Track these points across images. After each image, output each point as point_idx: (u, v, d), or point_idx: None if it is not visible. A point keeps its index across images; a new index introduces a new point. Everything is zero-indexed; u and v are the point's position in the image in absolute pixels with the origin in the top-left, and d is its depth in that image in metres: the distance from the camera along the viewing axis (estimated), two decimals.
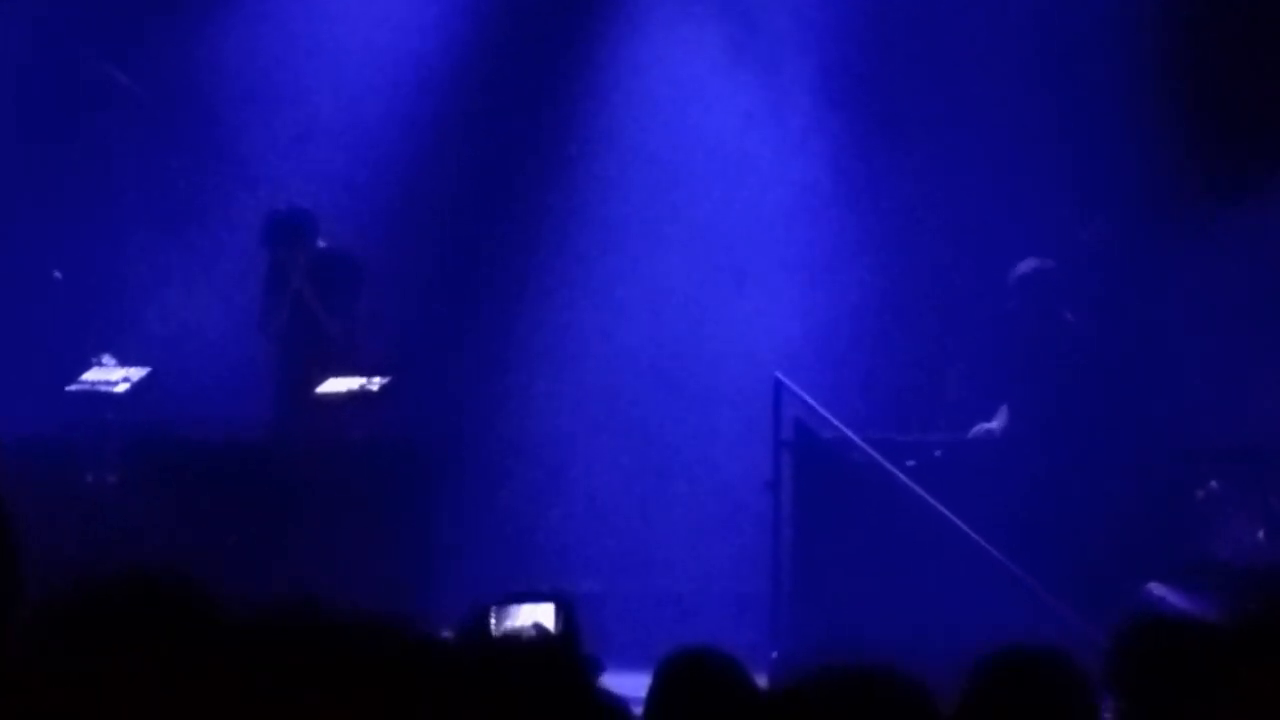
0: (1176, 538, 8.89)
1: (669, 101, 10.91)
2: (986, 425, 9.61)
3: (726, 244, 10.84)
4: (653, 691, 3.21)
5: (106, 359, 10.02)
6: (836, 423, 9.27)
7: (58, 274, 10.73)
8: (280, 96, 11.01)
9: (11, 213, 10.92)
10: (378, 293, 10.45)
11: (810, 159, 10.76)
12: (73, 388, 9.79)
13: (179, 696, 2.25)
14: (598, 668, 3.56)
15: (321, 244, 10.03)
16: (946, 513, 8.92)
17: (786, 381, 9.34)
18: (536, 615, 3.98)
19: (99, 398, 9.73)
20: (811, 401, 9.33)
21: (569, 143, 10.95)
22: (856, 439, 9.20)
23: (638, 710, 3.60)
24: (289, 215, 9.96)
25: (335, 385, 9.72)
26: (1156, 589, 8.32)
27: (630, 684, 4.12)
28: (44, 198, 11.02)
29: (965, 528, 8.86)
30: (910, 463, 9.16)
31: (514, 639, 3.52)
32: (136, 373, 9.87)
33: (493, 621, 3.92)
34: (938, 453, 9.32)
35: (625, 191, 10.95)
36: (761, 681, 3.76)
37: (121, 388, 9.77)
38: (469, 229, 11.09)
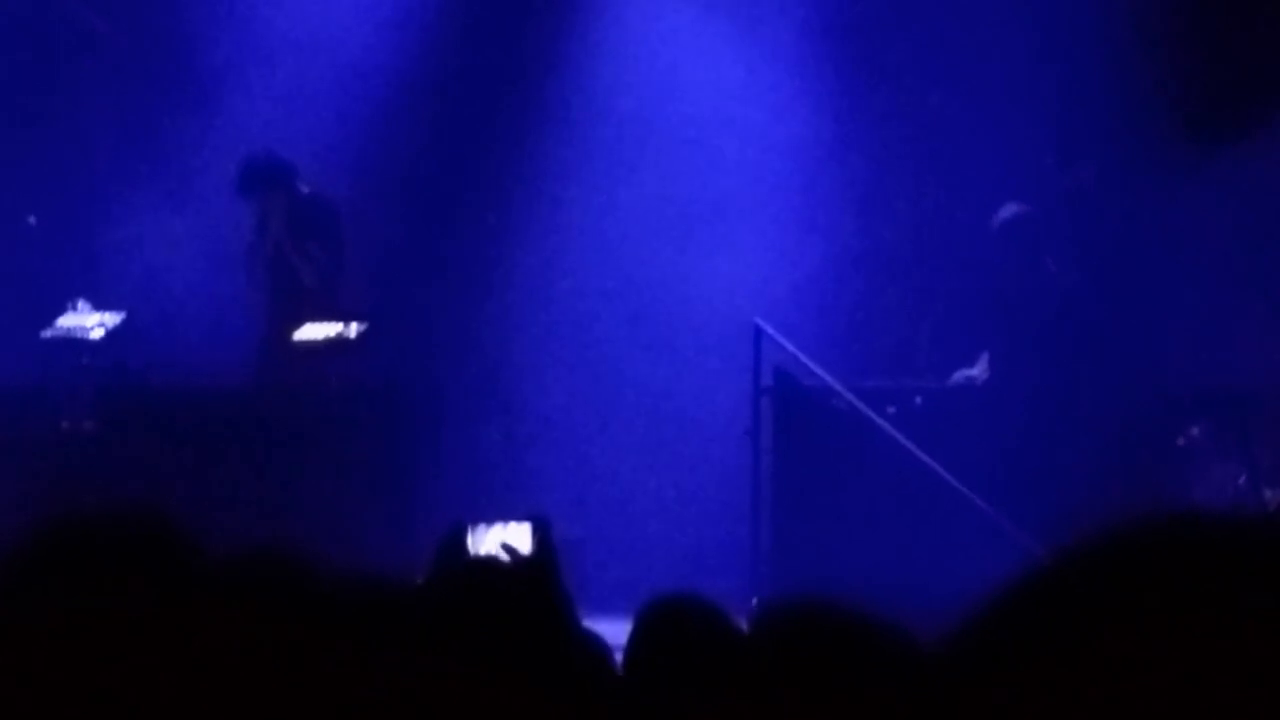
0: (1159, 485, 8.89)
1: (648, 53, 10.86)
2: (967, 372, 9.60)
3: (708, 192, 10.80)
4: (633, 639, 3.17)
5: (81, 304, 9.95)
6: (817, 369, 9.25)
7: (32, 219, 10.65)
8: (258, 43, 10.94)
9: None
10: (356, 239, 10.39)
11: (792, 107, 10.72)
12: (48, 334, 9.73)
13: (152, 639, 2.21)
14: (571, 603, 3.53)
15: (304, 189, 9.96)
16: (927, 459, 8.91)
17: (767, 328, 9.32)
18: (513, 536, 3.95)
19: (74, 344, 9.66)
20: (792, 348, 9.30)
21: (546, 95, 10.89)
22: (837, 385, 9.18)
23: (617, 657, 3.56)
24: (265, 162, 9.89)
25: (313, 332, 9.68)
26: None
27: (608, 630, 4.09)
28: (17, 143, 10.94)
29: (946, 474, 8.85)
30: (891, 410, 9.15)
31: (490, 562, 3.48)
32: (112, 318, 9.81)
33: (470, 541, 3.89)
34: (918, 400, 9.30)
35: (605, 140, 10.90)
36: (743, 628, 3.74)
37: (97, 333, 9.71)
38: (446, 175, 11.04)
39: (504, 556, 3.85)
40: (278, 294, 9.89)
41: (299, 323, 9.69)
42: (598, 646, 2.81)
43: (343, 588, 2.52)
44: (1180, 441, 9.13)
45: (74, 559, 2.39)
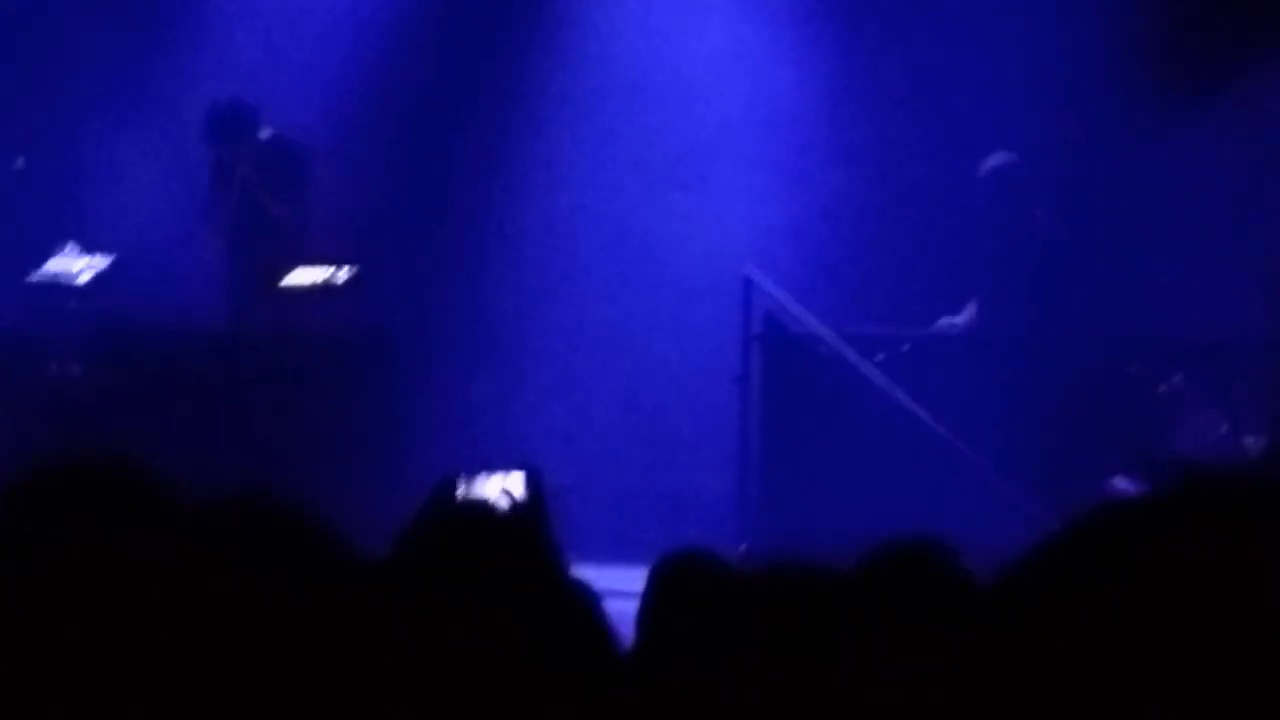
0: (1141, 432, 8.92)
1: (638, 6, 10.82)
2: (953, 319, 9.61)
3: (698, 142, 10.79)
4: (649, 595, 3.16)
5: (70, 248, 9.93)
6: (806, 316, 9.26)
7: (20, 162, 10.61)
8: None
9: None
10: (345, 187, 10.37)
11: (781, 57, 10.69)
12: (35, 278, 9.71)
13: (127, 584, 2.22)
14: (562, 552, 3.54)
15: (265, 134, 9.92)
16: (914, 407, 8.93)
17: (756, 275, 9.32)
18: (505, 484, 3.95)
19: (62, 288, 9.65)
20: (781, 296, 9.30)
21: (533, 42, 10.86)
22: (826, 333, 9.19)
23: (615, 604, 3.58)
24: (228, 109, 9.86)
25: (300, 276, 9.66)
26: (1121, 482, 8.35)
27: (597, 576, 4.11)
28: (4, 87, 10.90)
29: (932, 422, 8.87)
30: (879, 357, 9.16)
31: (479, 507, 3.49)
32: (100, 262, 9.80)
33: (460, 489, 3.89)
34: (906, 347, 9.31)
35: (595, 90, 10.88)
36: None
37: (85, 277, 9.70)
38: (436, 124, 11.01)
39: (501, 501, 3.85)
40: (246, 239, 9.85)
41: (274, 267, 9.67)
42: (587, 595, 2.81)
43: (328, 534, 2.52)
44: (1162, 389, 9.15)
45: (45, 503, 2.40)
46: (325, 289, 9.62)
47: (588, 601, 2.82)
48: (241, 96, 9.92)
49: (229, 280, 9.96)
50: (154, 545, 2.29)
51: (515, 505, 3.87)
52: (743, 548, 8.89)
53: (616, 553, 3.72)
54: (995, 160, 9.65)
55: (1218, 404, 9.00)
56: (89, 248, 10.00)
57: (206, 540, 2.44)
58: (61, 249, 9.94)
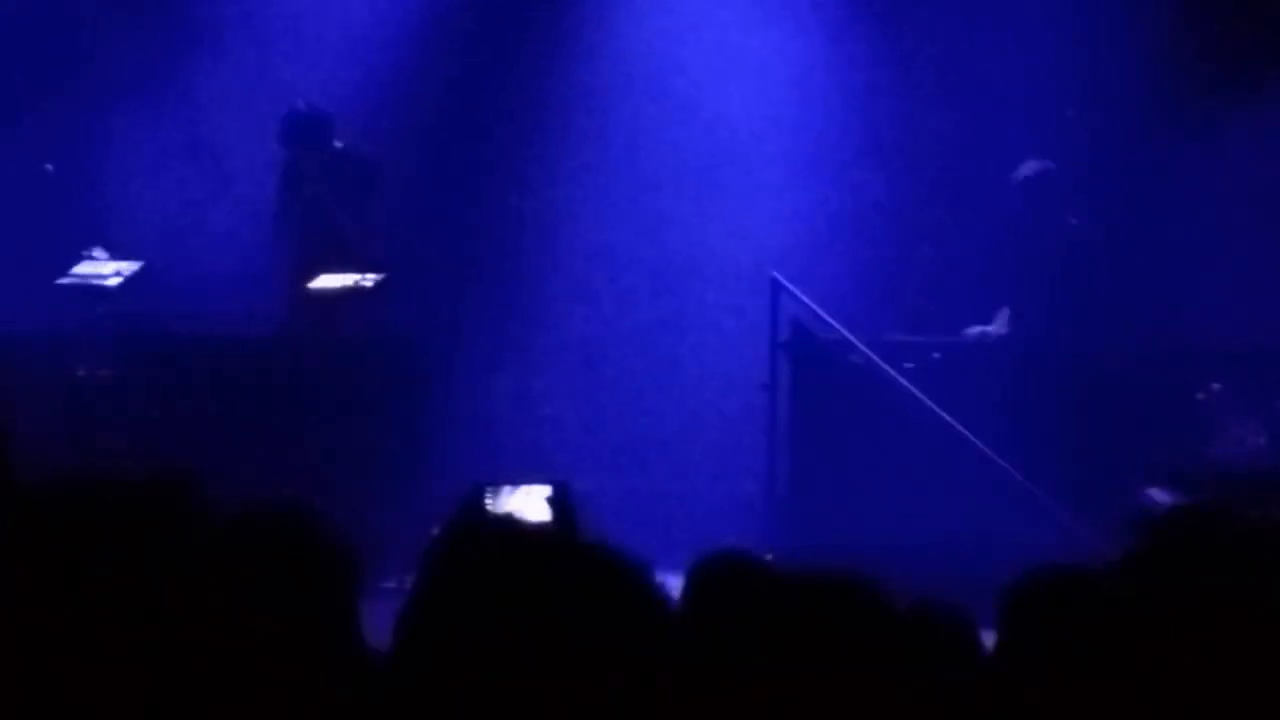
0: (1177, 441, 8.86)
1: (669, 8, 10.80)
2: (983, 327, 9.57)
3: (727, 146, 10.76)
4: (687, 594, 3.14)
5: (98, 252, 9.94)
6: (834, 323, 9.22)
7: (49, 167, 10.63)
8: None
9: (2, 106, 10.82)
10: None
11: (812, 61, 10.66)
12: (64, 281, 9.72)
13: (156, 594, 2.20)
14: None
15: (338, 144, 9.94)
16: (944, 415, 8.88)
17: (784, 282, 9.28)
18: (532, 497, 3.92)
19: (91, 291, 9.66)
20: (809, 302, 9.27)
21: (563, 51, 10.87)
22: (854, 340, 9.15)
23: None
24: (307, 115, 9.86)
25: (329, 281, 9.66)
26: (1157, 493, 8.29)
27: None
28: (35, 90, 10.92)
29: (963, 430, 8.82)
30: (908, 365, 9.12)
31: (511, 522, 3.47)
32: (128, 266, 9.80)
33: (489, 503, 3.87)
34: (936, 355, 9.27)
35: (624, 93, 10.86)
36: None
37: (113, 281, 9.71)
38: (463, 128, 11.00)
39: (530, 514, 3.84)
40: (317, 249, 9.83)
41: (318, 272, 9.67)
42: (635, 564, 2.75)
43: (352, 546, 2.50)
44: (1200, 397, 9.09)
45: (90, 515, 2.38)
46: (353, 294, 9.61)
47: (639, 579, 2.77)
48: (319, 103, 9.93)
49: (290, 285, 9.92)
50: (182, 557, 2.27)
51: (544, 519, 3.85)
52: (768, 556, 8.85)
53: (643, 559, 3.69)
54: (1029, 167, 9.61)
55: (1256, 412, 8.93)
56: (118, 252, 10.01)
57: (234, 553, 2.42)
58: (90, 253, 9.95)
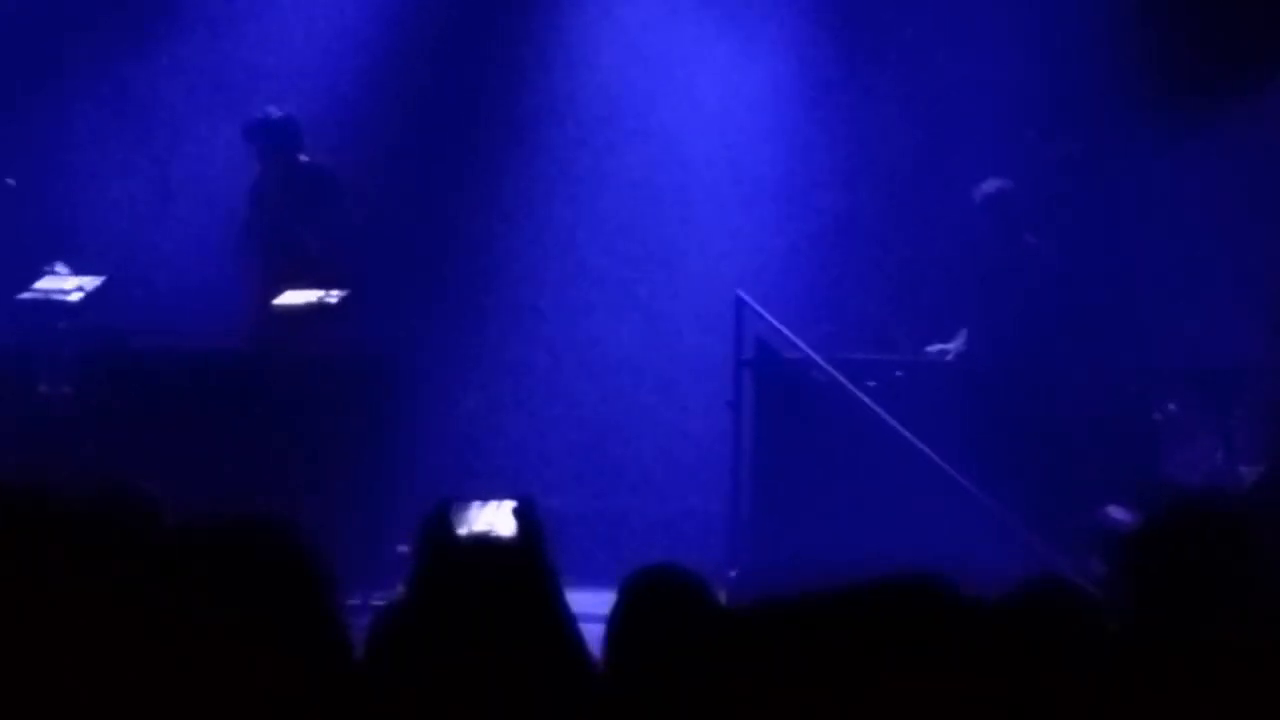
0: (1135, 459, 8.91)
1: (637, 32, 10.84)
2: (942, 345, 9.61)
3: (692, 168, 10.79)
4: (617, 609, 3.17)
5: (60, 267, 9.91)
6: (798, 342, 9.25)
7: (10, 181, 10.59)
8: (244, 7, 10.90)
9: None
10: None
11: (775, 84, 10.71)
12: (25, 296, 9.68)
13: (104, 606, 2.20)
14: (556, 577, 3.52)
15: (303, 159, 9.92)
16: (906, 433, 8.91)
17: (749, 300, 9.30)
18: (497, 514, 3.92)
19: (52, 306, 9.62)
20: (773, 321, 9.29)
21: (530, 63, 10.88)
22: (818, 358, 9.18)
23: (593, 627, 3.56)
24: (279, 121, 9.84)
25: (294, 298, 9.64)
26: (1115, 511, 8.33)
27: (587, 600, 4.08)
28: None
29: (925, 448, 8.85)
30: (871, 383, 9.14)
31: (479, 540, 3.47)
32: (90, 281, 9.77)
33: (453, 519, 3.87)
34: (899, 373, 9.30)
35: (590, 114, 10.88)
36: (720, 600, 3.73)
37: (75, 296, 9.67)
38: (433, 146, 11.00)
39: (495, 531, 3.84)
40: (276, 264, 9.82)
41: (281, 288, 9.66)
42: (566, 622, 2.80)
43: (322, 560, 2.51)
44: (1157, 416, 9.14)
45: (34, 526, 2.38)
46: (318, 311, 9.59)
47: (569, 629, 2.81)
48: (291, 112, 9.92)
49: (255, 300, 9.89)
50: (139, 568, 2.27)
51: (509, 536, 3.85)
52: (733, 573, 8.86)
53: (608, 577, 3.71)
54: (989, 186, 9.65)
55: (1213, 432, 8.98)
56: (79, 268, 9.97)
57: (193, 564, 2.42)
58: (52, 268, 9.92)
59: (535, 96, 10.89)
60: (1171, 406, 9.11)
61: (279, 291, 9.66)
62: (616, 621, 3.12)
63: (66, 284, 9.77)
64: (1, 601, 2.27)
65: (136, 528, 2.43)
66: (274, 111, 9.90)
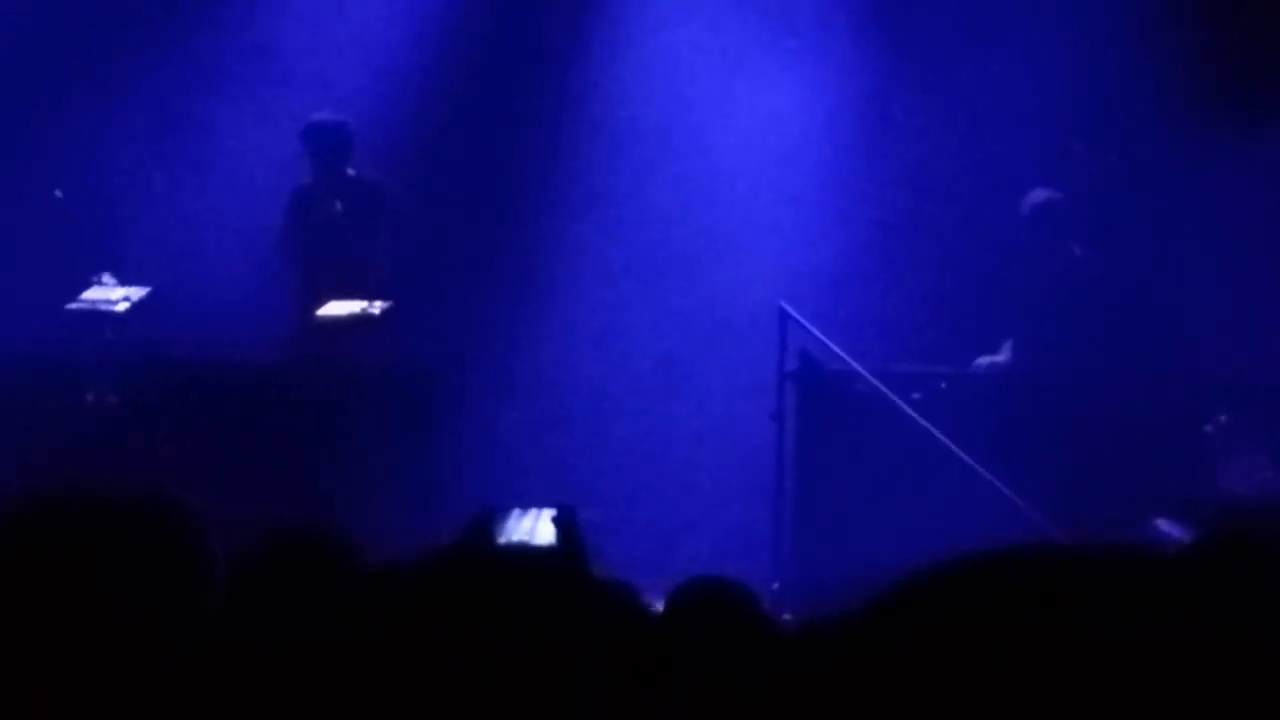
0: (1185, 472, 8.84)
1: (679, 42, 10.83)
2: (990, 358, 9.56)
3: (736, 178, 10.77)
4: (664, 621, 3.15)
5: (106, 278, 9.95)
6: (842, 353, 9.22)
7: (59, 192, 10.65)
8: (288, 25, 10.93)
9: (12, 131, 10.84)
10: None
11: (820, 91, 10.68)
12: (73, 306, 9.72)
13: (151, 620, 2.19)
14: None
15: (350, 171, 9.94)
16: (951, 445, 8.87)
17: (792, 312, 9.28)
18: (538, 523, 3.91)
19: (99, 316, 9.66)
20: (816, 332, 9.27)
21: (576, 75, 10.88)
22: (862, 370, 9.14)
23: None
24: (333, 125, 9.85)
25: (337, 308, 9.65)
26: (1164, 525, 8.27)
27: None
28: (46, 116, 10.94)
29: (970, 460, 8.81)
30: (915, 395, 9.11)
31: (519, 547, 3.47)
32: (137, 292, 9.81)
33: (495, 528, 3.86)
34: (943, 385, 9.26)
35: (635, 126, 10.88)
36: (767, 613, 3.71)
37: (122, 306, 9.71)
38: (474, 158, 11.02)
39: (539, 538, 3.83)
40: (319, 273, 9.82)
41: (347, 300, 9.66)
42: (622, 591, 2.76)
43: (365, 572, 2.50)
44: (1207, 429, 9.08)
45: (77, 536, 2.37)
46: (361, 321, 9.61)
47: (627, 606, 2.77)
48: (350, 122, 9.93)
49: (296, 309, 9.91)
50: (177, 582, 2.26)
51: (551, 543, 3.85)
52: (776, 586, 8.84)
53: (650, 588, 3.69)
54: (1036, 197, 9.61)
55: (1263, 445, 8.92)
56: (126, 278, 10.02)
57: (240, 581, 2.41)
58: (99, 279, 9.96)
59: (575, 111, 10.90)
60: (1222, 419, 9.05)
61: (324, 301, 9.68)
62: (663, 633, 3.10)
63: (113, 294, 9.81)
64: (51, 614, 2.26)
65: (172, 535, 2.42)
66: (331, 116, 9.91)
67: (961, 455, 8.84)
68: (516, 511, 3.91)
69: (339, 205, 9.80)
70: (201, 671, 2.21)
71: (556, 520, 3.88)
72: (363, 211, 9.88)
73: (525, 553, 3.11)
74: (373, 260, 9.86)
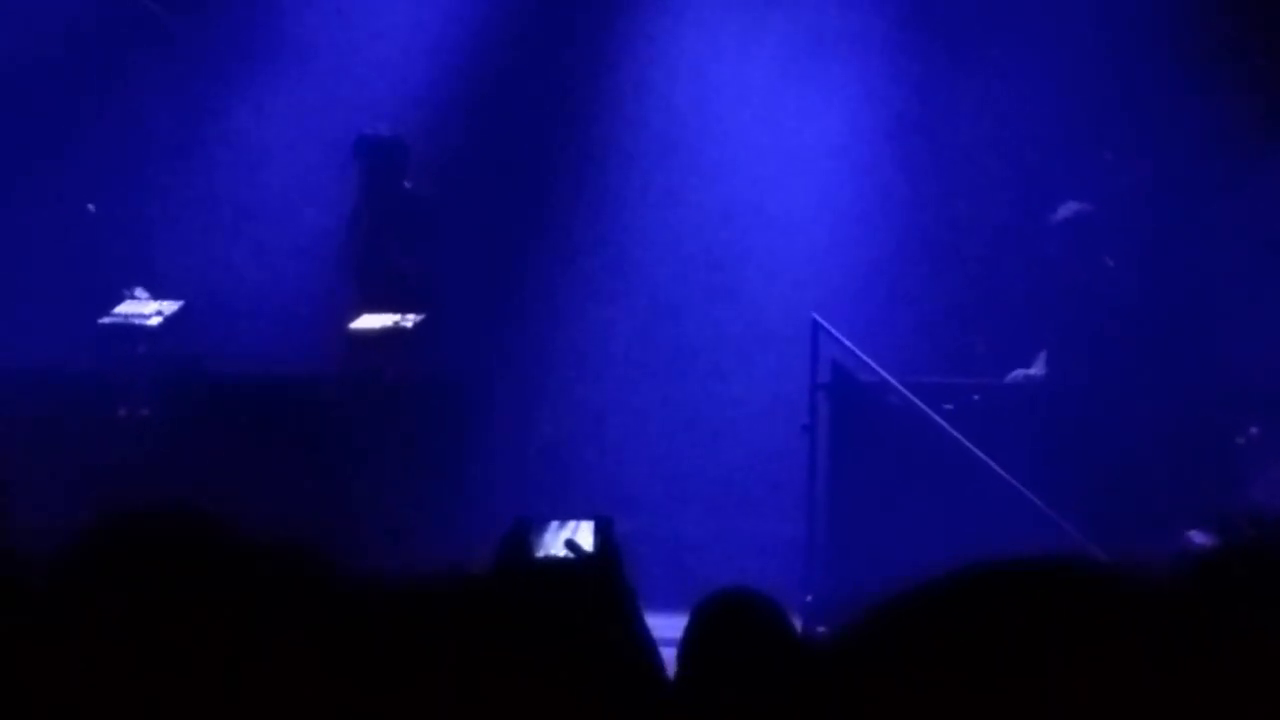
0: (1216, 484, 8.81)
1: (709, 55, 10.84)
2: (1024, 371, 9.54)
3: (767, 189, 10.77)
4: (690, 633, 3.15)
5: (139, 292, 9.99)
6: (874, 365, 9.20)
7: (91, 207, 10.69)
8: (318, 34, 10.97)
9: (45, 146, 10.89)
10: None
11: (853, 103, 10.67)
12: (106, 321, 9.76)
13: (185, 636, 2.20)
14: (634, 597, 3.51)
15: (407, 185, 9.95)
16: (984, 457, 8.85)
17: (824, 323, 9.27)
18: (575, 534, 3.91)
19: (132, 331, 9.69)
20: (849, 344, 9.25)
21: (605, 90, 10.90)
22: (894, 382, 9.13)
23: (669, 651, 3.54)
24: (385, 141, 9.85)
25: (369, 322, 9.67)
26: (1197, 536, 8.24)
27: (662, 624, 4.06)
28: (79, 131, 10.99)
29: (1002, 472, 8.79)
30: (948, 406, 9.09)
31: (554, 561, 3.47)
32: (169, 306, 9.84)
33: (531, 540, 3.86)
34: (976, 397, 9.24)
35: (664, 139, 10.89)
36: (795, 625, 3.71)
37: (154, 321, 9.74)
38: (503, 172, 11.03)
39: (568, 553, 3.83)
40: (374, 284, 9.83)
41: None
42: (648, 648, 2.78)
43: (374, 584, 2.49)
44: (1240, 441, 9.04)
45: (114, 556, 2.37)
46: (393, 335, 9.62)
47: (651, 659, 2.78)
48: (405, 137, 9.93)
49: (340, 322, 9.91)
50: (207, 599, 2.27)
51: (588, 555, 3.85)
52: (808, 598, 8.82)
53: (682, 600, 3.69)
54: (1067, 210, 9.59)
55: None
56: (158, 292, 10.05)
57: (257, 592, 2.41)
58: (131, 293, 10.00)
59: (608, 126, 10.91)
60: (1254, 430, 9.01)
61: (358, 317, 9.69)
62: (689, 645, 3.10)
63: (146, 309, 9.84)
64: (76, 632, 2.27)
65: (209, 560, 2.42)
66: (386, 130, 9.91)
67: (994, 467, 8.82)
68: (554, 523, 3.91)
69: (390, 224, 9.79)
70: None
71: (595, 531, 3.88)
72: (416, 227, 9.86)
73: (565, 565, 3.11)
74: (422, 275, 9.83)
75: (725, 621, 3.06)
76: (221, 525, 2.45)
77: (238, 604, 2.24)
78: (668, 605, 4.78)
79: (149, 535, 2.41)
